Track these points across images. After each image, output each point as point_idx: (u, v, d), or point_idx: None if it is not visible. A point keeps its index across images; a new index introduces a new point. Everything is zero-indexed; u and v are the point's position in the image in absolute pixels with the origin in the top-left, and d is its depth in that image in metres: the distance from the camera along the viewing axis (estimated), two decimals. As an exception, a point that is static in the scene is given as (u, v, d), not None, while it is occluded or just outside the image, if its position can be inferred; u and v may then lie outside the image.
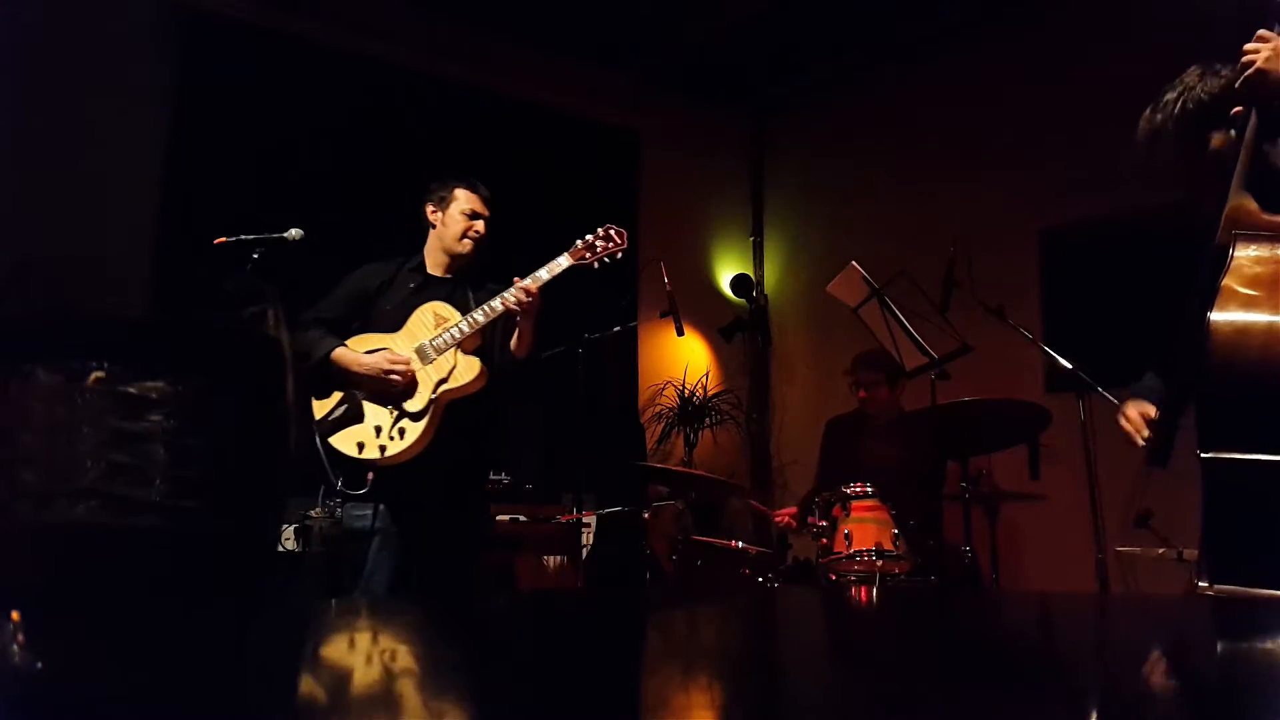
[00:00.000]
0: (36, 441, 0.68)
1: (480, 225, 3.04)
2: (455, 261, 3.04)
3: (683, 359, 6.04)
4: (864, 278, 3.44)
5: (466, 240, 3.02)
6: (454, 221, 3.02)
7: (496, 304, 2.84)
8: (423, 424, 2.79)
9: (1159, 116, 1.97)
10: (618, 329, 3.92)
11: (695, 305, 5.55)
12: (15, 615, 0.68)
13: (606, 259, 2.98)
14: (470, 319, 2.86)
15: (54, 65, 4.13)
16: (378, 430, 2.81)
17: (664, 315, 3.71)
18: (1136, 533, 2.93)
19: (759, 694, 0.76)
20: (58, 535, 0.68)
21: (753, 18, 5.41)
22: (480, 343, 2.91)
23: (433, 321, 2.90)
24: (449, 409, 2.83)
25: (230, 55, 4.64)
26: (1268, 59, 1.73)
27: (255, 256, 2.93)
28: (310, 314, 2.97)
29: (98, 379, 0.68)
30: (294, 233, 2.98)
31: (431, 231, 3.08)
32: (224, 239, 2.94)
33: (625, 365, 5.88)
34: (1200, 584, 1.63)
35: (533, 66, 5.59)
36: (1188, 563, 2.68)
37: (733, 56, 5.93)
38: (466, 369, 2.83)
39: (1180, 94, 1.94)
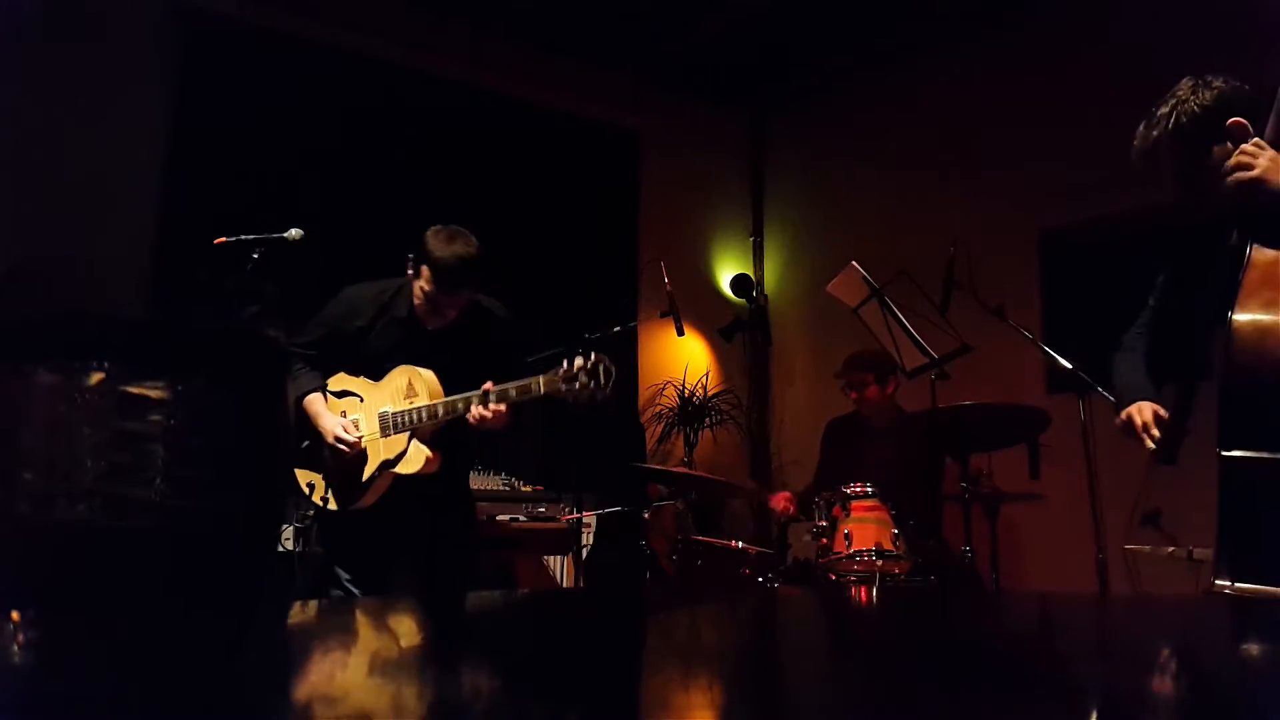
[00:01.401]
0: (36, 441, 0.68)
1: (443, 317, 2.80)
2: (429, 323, 2.85)
3: (683, 359, 6.04)
4: (864, 278, 3.44)
5: (428, 317, 2.82)
6: (419, 293, 2.79)
7: (459, 405, 2.68)
8: (363, 492, 2.80)
9: (1154, 132, 1.95)
10: (618, 329, 3.92)
11: (695, 305, 5.55)
12: (15, 615, 0.68)
13: (584, 400, 2.58)
14: (430, 410, 2.73)
15: (54, 65, 4.13)
16: (326, 482, 2.85)
17: (664, 315, 3.71)
18: (1144, 531, 2.93)
19: (759, 694, 0.76)
20: (58, 535, 0.68)
21: (753, 17, 5.41)
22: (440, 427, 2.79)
23: (404, 390, 2.80)
24: (398, 479, 2.80)
25: (230, 55, 4.64)
26: (1266, 169, 1.72)
27: (255, 256, 2.93)
28: (294, 343, 2.90)
29: (98, 379, 0.68)
30: (294, 233, 2.98)
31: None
32: (224, 239, 2.94)
33: (625, 365, 5.87)
34: (1219, 583, 1.63)
35: (532, 66, 5.59)
36: (1198, 562, 2.67)
37: (733, 56, 5.93)
38: (415, 457, 2.76)
39: (1173, 108, 1.92)
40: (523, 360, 2.99)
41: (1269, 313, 1.62)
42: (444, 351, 2.85)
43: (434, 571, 2.89)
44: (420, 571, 2.91)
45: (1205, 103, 1.89)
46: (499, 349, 2.92)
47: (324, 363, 2.92)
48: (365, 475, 2.80)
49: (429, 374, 2.80)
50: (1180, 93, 1.93)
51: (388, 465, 2.79)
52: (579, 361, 2.60)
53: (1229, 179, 1.75)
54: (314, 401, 2.84)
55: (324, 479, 2.85)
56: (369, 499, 2.80)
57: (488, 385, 2.68)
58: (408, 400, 2.79)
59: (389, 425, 2.80)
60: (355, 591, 2.80)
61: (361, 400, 2.87)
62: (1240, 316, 1.63)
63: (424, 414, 2.74)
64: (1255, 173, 1.72)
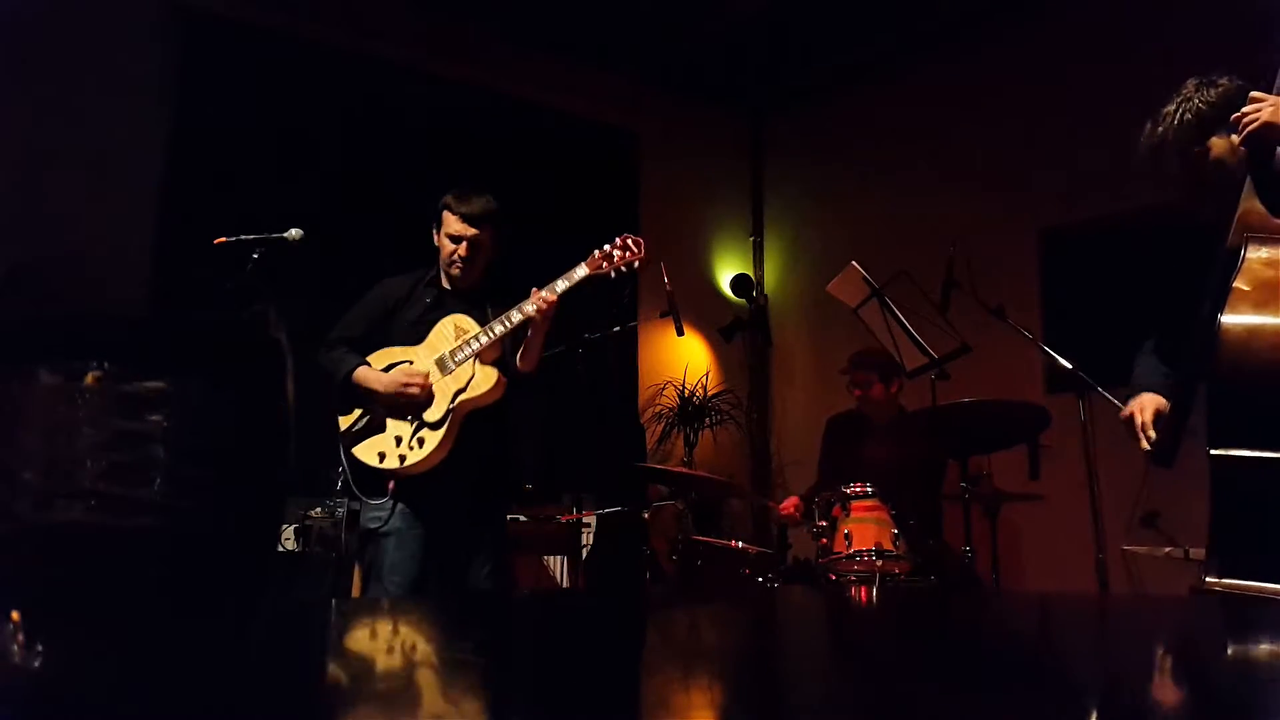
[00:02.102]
0: (36, 441, 0.68)
1: (462, 249, 2.91)
2: (458, 281, 2.98)
3: (683, 359, 6.04)
4: (864, 278, 3.44)
5: (454, 266, 2.94)
6: (443, 245, 2.96)
7: (515, 314, 2.84)
8: (441, 432, 2.82)
9: (1159, 129, 2.01)
10: (618, 329, 3.91)
11: (695, 305, 5.55)
12: (15, 615, 0.68)
13: (624, 269, 2.93)
14: (489, 330, 2.86)
15: (54, 65, 4.13)
16: (398, 440, 2.85)
17: (664, 315, 3.70)
18: (1143, 532, 2.93)
19: (759, 694, 0.76)
20: (58, 535, 0.68)
21: (753, 18, 5.41)
22: (499, 354, 2.92)
23: (453, 334, 2.91)
24: (468, 419, 2.85)
25: (230, 55, 4.64)
26: (1273, 114, 1.79)
27: (255, 256, 2.93)
28: (335, 333, 2.99)
29: (98, 379, 0.68)
30: (294, 233, 2.98)
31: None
32: (224, 239, 2.94)
33: (625, 365, 5.88)
34: (1208, 579, 1.64)
35: (532, 66, 5.59)
36: (1195, 561, 2.68)
37: (733, 56, 5.93)
38: (484, 378, 2.85)
39: (1179, 106, 1.99)
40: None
41: (1259, 315, 1.64)
42: (478, 308, 2.95)
43: (480, 553, 2.91)
44: (470, 552, 2.91)
45: (1210, 100, 1.94)
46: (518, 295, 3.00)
47: (363, 347, 2.96)
48: (439, 413, 2.84)
49: (470, 319, 2.91)
50: (1185, 91, 1.99)
51: (459, 394, 2.84)
52: (606, 247, 2.93)
53: (1240, 131, 1.83)
54: (363, 371, 2.90)
55: (395, 437, 2.86)
56: (447, 444, 2.82)
57: (535, 290, 2.85)
58: (459, 339, 2.89)
59: (449, 364, 2.88)
60: (390, 586, 2.79)
61: (411, 363, 2.93)
62: (1229, 319, 1.64)
63: (483, 338, 2.86)
64: (1263, 117, 1.79)
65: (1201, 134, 1.96)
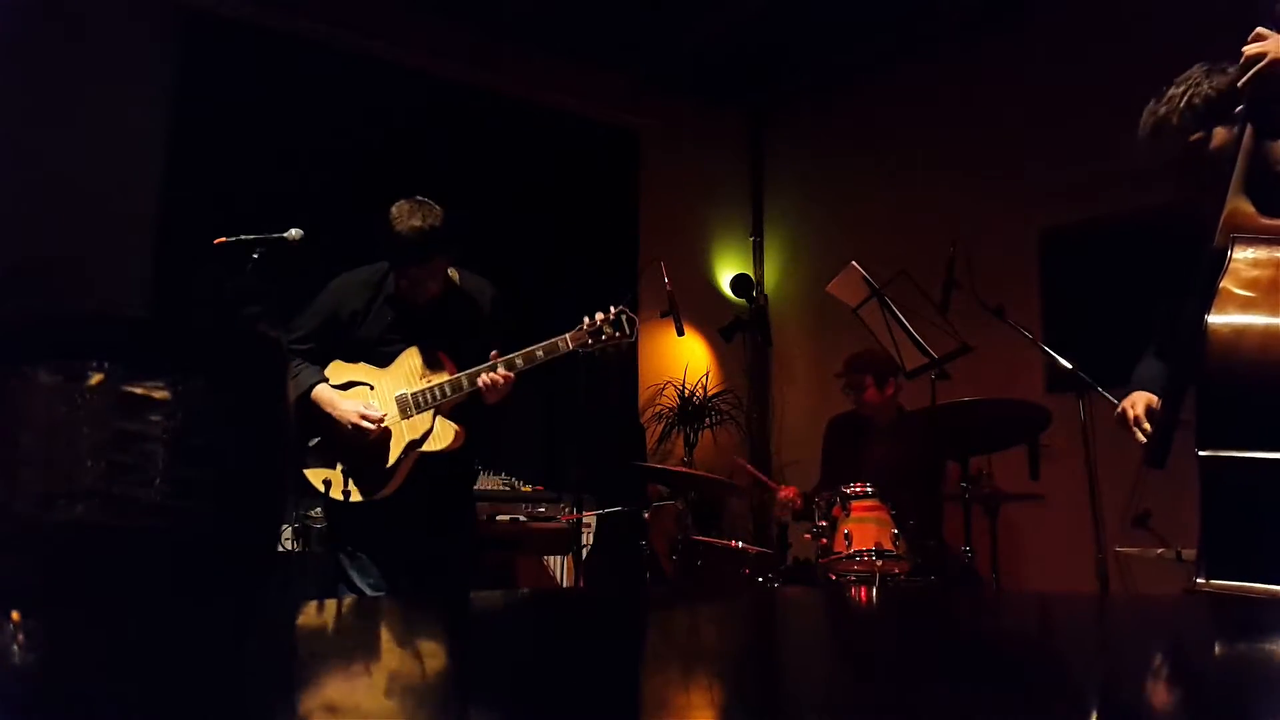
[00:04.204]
0: (36, 441, 0.68)
1: (430, 284, 2.78)
2: (412, 301, 2.85)
3: (683, 359, 6.04)
4: (864, 278, 3.44)
5: (404, 295, 2.81)
6: (402, 286, 2.81)
7: (481, 378, 2.74)
8: (389, 478, 2.76)
9: (1163, 109, 1.98)
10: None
11: (695, 305, 5.55)
12: (15, 615, 0.68)
13: (610, 349, 2.80)
14: (454, 384, 2.75)
15: (54, 65, 4.13)
16: (345, 476, 2.78)
17: (664, 315, 3.70)
18: (1135, 533, 2.93)
19: (759, 694, 0.76)
20: (58, 535, 0.68)
21: (752, 16, 5.41)
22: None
23: (419, 370, 2.81)
24: (422, 459, 2.79)
25: (230, 55, 4.64)
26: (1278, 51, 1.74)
27: (255, 256, 2.93)
28: (288, 340, 2.87)
29: (98, 379, 0.68)
30: (294, 233, 2.98)
31: None
32: (224, 239, 2.93)
33: (625, 365, 5.88)
34: (1198, 580, 1.64)
35: (532, 66, 5.59)
36: (1187, 563, 2.68)
37: (732, 56, 5.93)
38: (442, 433, 2.77)
39: (1186, 89, 1.95)
40: (513, 332, 2.94)
41: (1245, 314, 1.63)
42: (440, 327, 2.85)
43: (445, 562, 2.87)
44: (434, 563, 2.86)
45: (1219, 87, 1.92)
46: (493, 325, 2.90)
47: (320, 356, 2.88)
48: (391, 460, 2.76)
49: (439, 353, 2.81)
50: (1193, 76, 1.96)
51: (414, 446, 2.75)
52: (600, 315, 2.76)
53: (1246, 74, 1.77)
54: (323, 391, 2.78)
55: (343, 471, 2.78)
56: (395, 483, 2.75)
57: (494, 354, 2.72)
58: (424, 380, 2.79)
59: (409, 406, 2.78)
60: (365, 590, 2.77)
61: (372, 388, 2.84)
62: (1215, 319, 1.64)
63: (448, 388, 2.75)
64: (1270, 55, 1.73)
65: (1203, 121, 1.93)
